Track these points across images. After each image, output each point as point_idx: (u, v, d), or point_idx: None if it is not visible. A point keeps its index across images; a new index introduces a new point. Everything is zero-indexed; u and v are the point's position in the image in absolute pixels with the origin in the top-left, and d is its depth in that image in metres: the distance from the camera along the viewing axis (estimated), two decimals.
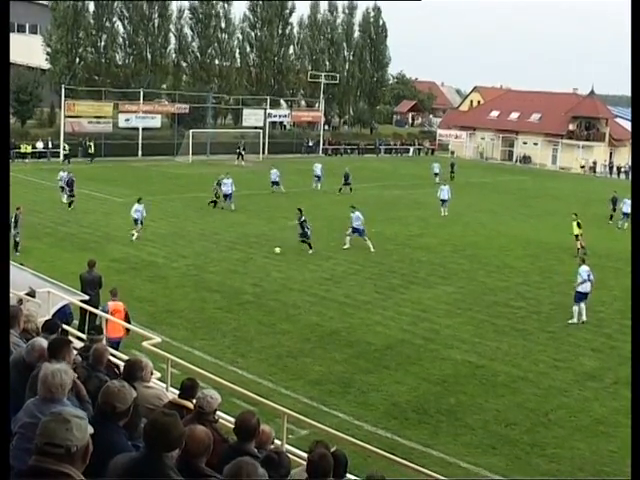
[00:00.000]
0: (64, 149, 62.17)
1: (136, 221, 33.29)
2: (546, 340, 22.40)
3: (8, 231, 4.53)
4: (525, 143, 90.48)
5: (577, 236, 35.48)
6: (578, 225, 35.50)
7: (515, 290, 28.13)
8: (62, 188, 40.37)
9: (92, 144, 63.84)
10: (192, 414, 7.78)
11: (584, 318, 24.21)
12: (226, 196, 41.37)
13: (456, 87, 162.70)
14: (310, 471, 6.94)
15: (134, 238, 32.62)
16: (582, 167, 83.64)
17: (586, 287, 24.54)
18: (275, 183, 49.39)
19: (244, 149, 68.92)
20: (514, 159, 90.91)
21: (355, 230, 33.69)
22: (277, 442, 9.62)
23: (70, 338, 9.74)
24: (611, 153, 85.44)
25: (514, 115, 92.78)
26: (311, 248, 32.42)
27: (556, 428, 16.53)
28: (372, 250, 32.85)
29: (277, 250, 31.77)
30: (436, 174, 60.86)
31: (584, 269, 24.80)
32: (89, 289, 19.37)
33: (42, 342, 7.95)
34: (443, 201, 44.40)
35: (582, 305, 24.39)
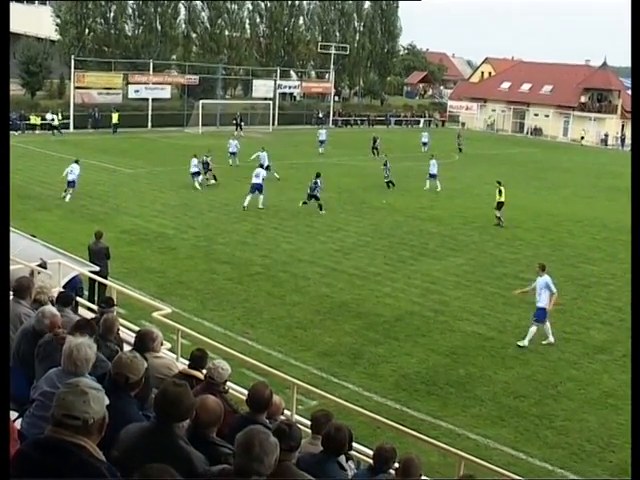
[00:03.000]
0: (52, 120, 61.17)
1: (71, 183, 33.94)
2: (556, 313, 22.31)
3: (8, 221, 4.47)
4: (536, 115, 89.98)
5: (499, 203, 34.70)
6: (500, 193, 34.69)
7: (525, 262, 28.04)
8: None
9: (117, 115, 63.84)
10: (202, 384, 7.82)
11: (551, 339, 19.91)
12: (264, 167, 39.23)
13: (467, 58, 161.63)
14: (326, 443, 6.98)
15: (67, 199, 33.49)
16: (582, 138, 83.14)
17: (545, 300, 19.99)
18: (232, 154, 47.89)
19: (242, 120, 68.49)
20: (525, 131, 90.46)
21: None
22: (287, 412, 9.68)
23: (80, 309, 9.77)
24: (623, 125, 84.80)
25: (525, 87, 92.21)
26: (390, 187, 36.46)
27: (565, 400, 16.55)
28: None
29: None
30: (424, 143, 60.26)
31: (544, 280, 20.29)
32: (97, 260, 19.36)
33: (52, 311, 7.98)
34: (432, 176, 42.75)
35: (547, 324, 20.00)
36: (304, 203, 34.68)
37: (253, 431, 4.52)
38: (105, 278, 17.59)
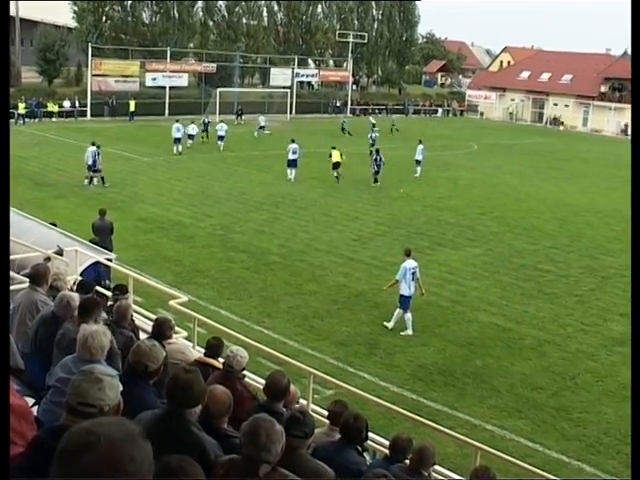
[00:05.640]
0: (16, 108, 55.40)
1: (91, 167, 34.37)
2: (574, 304, 22.29)
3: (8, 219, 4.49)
4: (556, 104, 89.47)
5: (336, 164, 39.37)
6: (341, 155, 39.72)
7: (543, 253, 27.96)
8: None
9: (133, 102, 64.08)
10: (221, 372, 7.84)
11: (409, 331, 19.11)
12: (292, 161, 39.80)
13: (486, 47, 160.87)
14: (345, 431, 7.03)
15: (95, 183, 34.31)
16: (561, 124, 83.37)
17: (412, 288, 19.44)
18: (220, 137, 49.10)
19: (241, 109, 68.73)
20: (544, 121, 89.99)
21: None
22: (302, 401, 9.69)
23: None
24: None
25: (545, 76, 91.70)
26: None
27: (582, 392, 16.49)
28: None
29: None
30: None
31: (410, 264, 19.51)
32: (102, 235, 20.48)
33: (73, 295, 8.00)
34: (417, 162, 43.07)
35: (408, 315, 19.26)
36: (375, 181, 38.75)
37: (259, 420, 4.53)
38: (110, 251, 18.18)
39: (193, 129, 47.61)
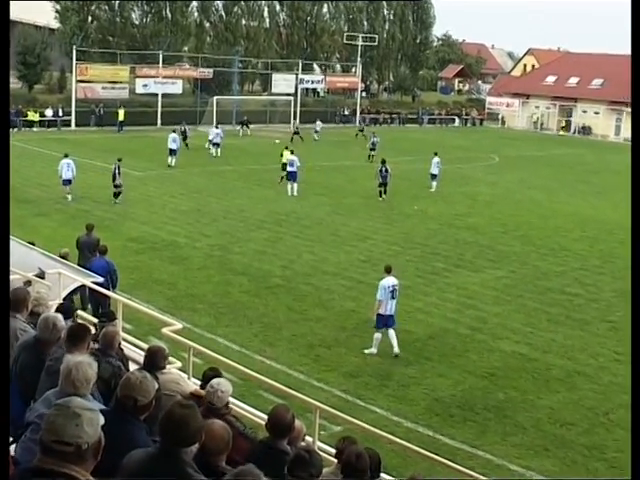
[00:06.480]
0: None
1: (67, 181, 34.93)
2: (606, 331, 22.22)
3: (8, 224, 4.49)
4: (585, 112, 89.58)
5: (286, 164, 40.77)
6: (292, 152, 41.17)
7: (572, 275, 27.93)
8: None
9: (122, 111, 64.34)
10: (202, 409, 7.80)
11: (396, 350, 19.29)
12: (290, 174, 40.30)
13: (508, 50, 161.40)
14: (346, 472, 6.96)
15: (70, 199, 34.67)
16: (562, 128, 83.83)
17: (390, 307, 19.44)
18: (216, 144, 52.35)
19: (247, 119, 68.73)
20: (572, 130, 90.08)
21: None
22: (308, 439, 9.66)
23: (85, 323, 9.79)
24: None
25: (573, 80, 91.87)
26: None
27: (617, 429, 16.37)
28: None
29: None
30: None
31: (389, 282, 19.57)
32: (87, 252, 20.46)
33: (57, 317, 7.96)
34: (433, 176, 43.12)
35: (391, 332, 19.42)
36: (384, 194, 39.03)
37: (245, 471, 4.52)
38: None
39: (175, 141, 47.40)
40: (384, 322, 19.44)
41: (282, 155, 43.00)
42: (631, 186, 6.17)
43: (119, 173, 35.12)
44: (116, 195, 35.10)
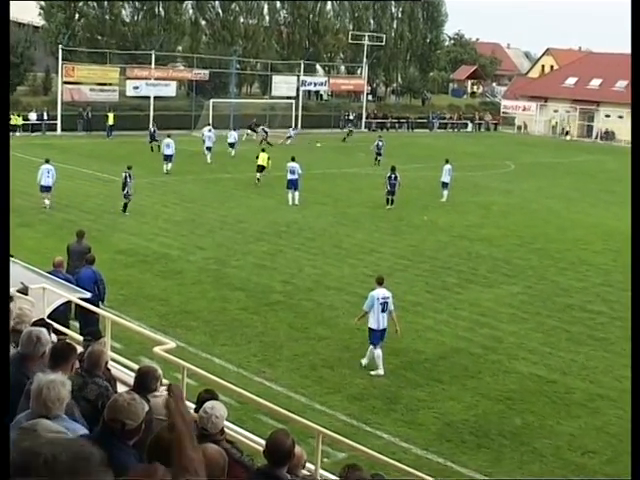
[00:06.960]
0: None
1: (47, 188, 35.05)
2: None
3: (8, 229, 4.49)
4: (608, 116, 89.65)
5: (261, 167, 43.82)
6: (268, 159, 43.89)
7: (594, 291, 27.90)
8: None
9: (111, 115, 64.52)
10: (196, 435, 7.77)
11: (364, 361, 19.69)
12: (291, 182, 40.45)
13: (525, 49, 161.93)
14: None
15: (47, 206, 34.82)
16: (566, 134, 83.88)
17: (381, 320, 19.51)
18: (231, 145, 55.14)
19: (256, 122, 68.78)
20: (594, 135, 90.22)
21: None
22: (310, 466, 9.65)
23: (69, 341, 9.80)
24: None
25: (595, 82, 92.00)
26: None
27: None
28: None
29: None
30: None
31: (379, 293, 19.63)
32: (77, 260, 20.53)
33: (44, 331, 7.95)
34: (444, 184, 43.15)
35: (378, 351, 19.49)
36: (391, 203, 39.54)
37: None
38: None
39: (169, 146, 47.64)
40: (380, 337, 19.54)
41: (257, 157, 44.52)
42: (631, 187, 6.17)
43: (130, 182, 35.20)
44: (125, 206, 35.15)
